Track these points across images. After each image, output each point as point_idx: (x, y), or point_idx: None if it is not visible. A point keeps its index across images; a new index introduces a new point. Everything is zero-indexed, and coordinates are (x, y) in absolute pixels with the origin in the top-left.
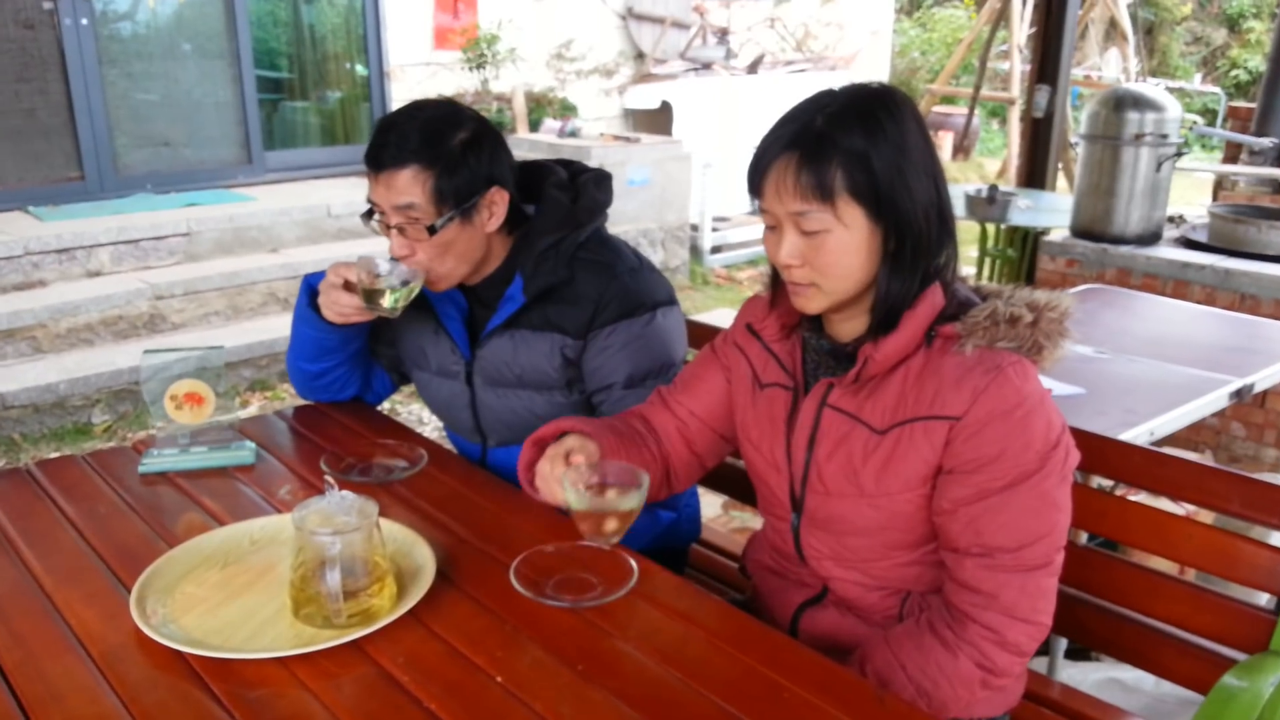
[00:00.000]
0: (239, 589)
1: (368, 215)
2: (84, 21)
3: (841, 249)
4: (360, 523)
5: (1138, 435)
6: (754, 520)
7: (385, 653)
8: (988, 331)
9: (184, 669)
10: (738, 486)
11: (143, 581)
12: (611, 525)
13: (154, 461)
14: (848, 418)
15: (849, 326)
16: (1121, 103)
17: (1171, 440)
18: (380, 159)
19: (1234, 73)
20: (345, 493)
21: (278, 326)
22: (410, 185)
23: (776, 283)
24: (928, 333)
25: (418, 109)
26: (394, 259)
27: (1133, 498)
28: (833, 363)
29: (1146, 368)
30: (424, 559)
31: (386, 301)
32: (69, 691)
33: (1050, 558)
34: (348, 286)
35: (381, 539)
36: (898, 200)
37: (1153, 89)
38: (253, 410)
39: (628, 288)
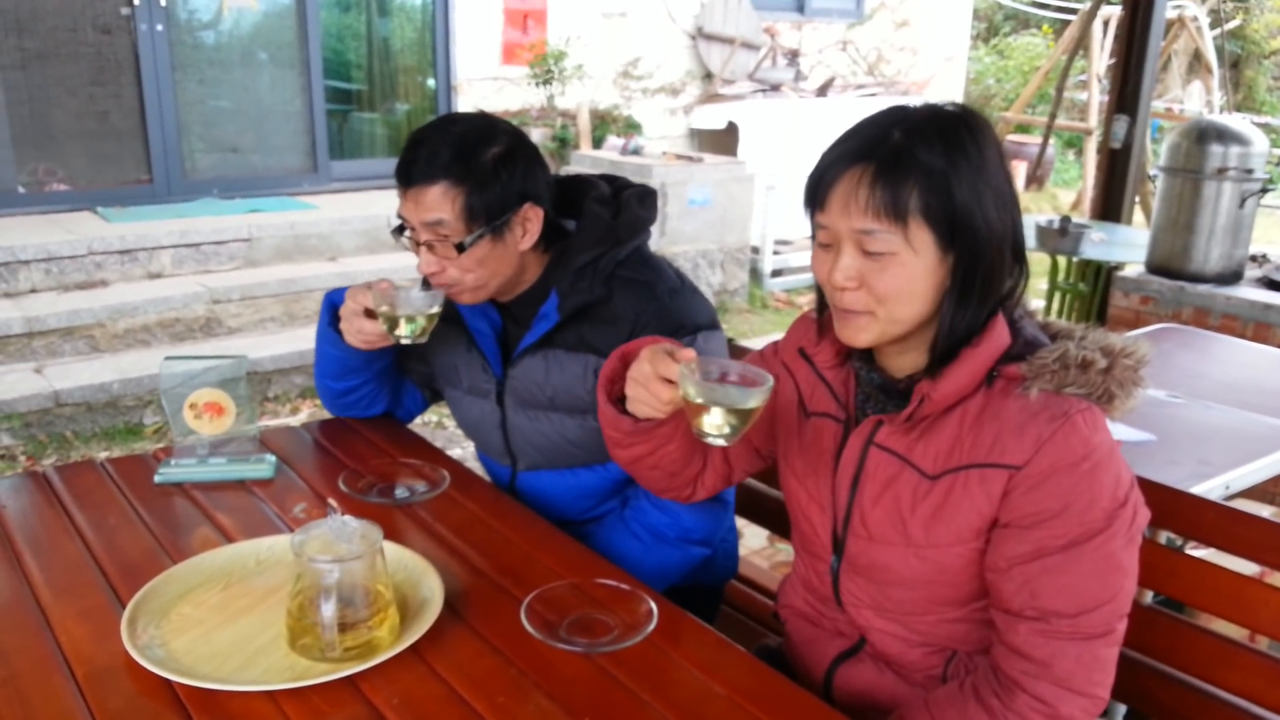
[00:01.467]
0: (237, 613)
1: (398, 231)
2: (159, 28)
3: (905, 275)
4: (362, 550)
5: (1212, 489)
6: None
7: (381, 691)
8: (1056, 375)
9: (169, 698)
10: (781, 520)
11: (137, 600)
12: (731, 421)
13: (171, 471)
14: (896, 459)
15: (903, 361)
16: (1204, 135)
17: (1245, 493)
18: (410, 174)
19: None
20: (348, 518)
21: None
22: (440, 202)
23: (824, 309)
24: (989, 372)
25: (450, 123)
26: (413, 284)
27: (1195, 553)
28: (883, 398)
29: (1223, 415)
30: (432, 590)
31: (403, 330)
32: (46, 716)
33: (1112, 626)
34: (369, 312)
35: (385, 567)
36: (973, 229)
37: (1238, 121)
38: (302, 418)
39: (668, 308)
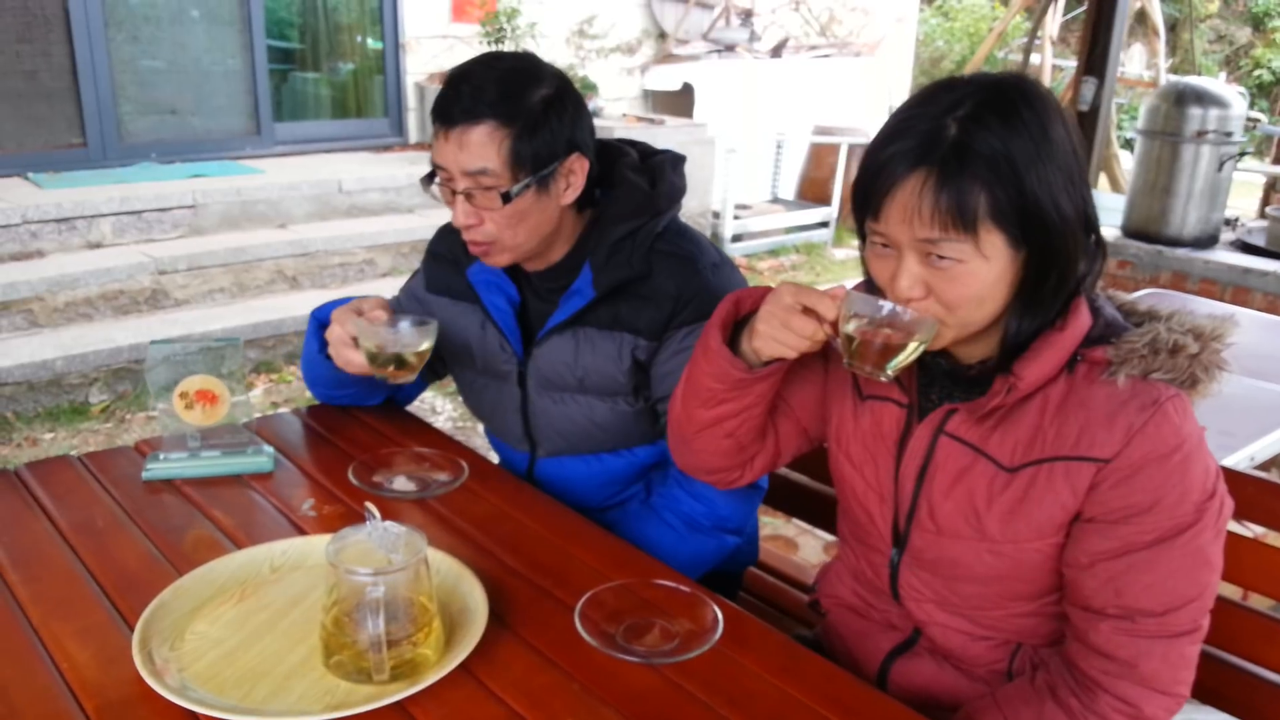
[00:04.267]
0: (259, 629)
1: (429, 179)
2: None
3: (976, 282)
4: (407, 561)
5: (1238, 461)
6: (785, 527)
7: (433, 715)
8: (1144, 360)
9: None
10: (774, 493)
11: (147, 618)
12: (896, 352)
13: (160, 467)
14: (969, 449)
15: (974, 348)
16: (1183, 97)
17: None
18: (450, 113)
19: (1257, 72)
20: (389, 524)
21: (285, 305)
22: (485, 145)
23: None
24: (1072, 356)
25: (495, 59)
26: (397, 318)
27: None
28: (950, 385)
29: (1230, 384)
30: (473, 596)
31: (390, 371)
32: None
33: (1198, 623)
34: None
35: (429, 577)
36: (1045, 222)
37: (1216, 84)
38: (257, 394)
39: (710, 285)
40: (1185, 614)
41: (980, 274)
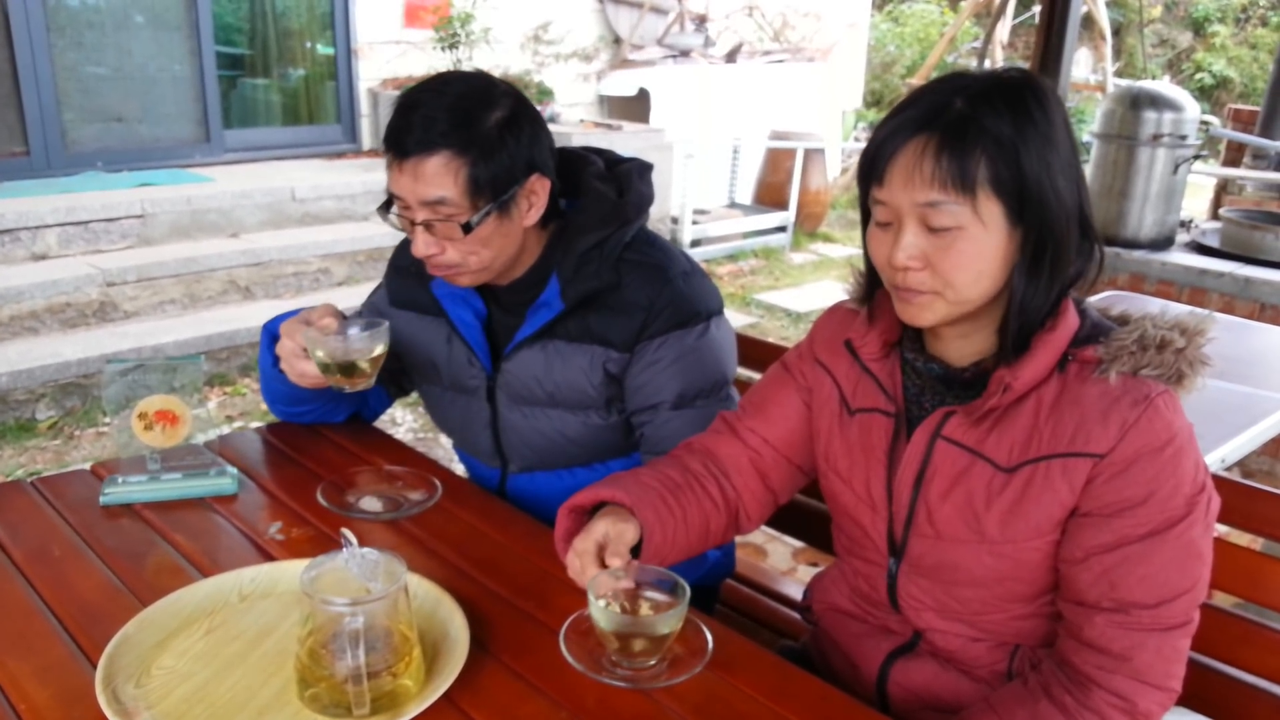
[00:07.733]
0: (230, 661)
1: (385, 207)
2: None
3: (975, 251)
4: (386, 589)
5: (1209, 463)
6: (754, 534)
7: None
8: (1133, 357)
9: None
10: None
11: (110, 654)
12: (639, 647)
13: (118, 491)
14: (966, 452)
15: (966, 346)
16: (1139, 101)
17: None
18: (404, 144)
19: (1198, 76)
20: (366, 550)
21: (238, 316)
22: (441, 176)
23: (872, 293)
24: (1063, 357)
25: (444, 84)
26: (353, 319)
27: None
28: (941, 389)
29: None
30: (453, 623)
31: (342, 379)
32: None
33: (1190, 616)
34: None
35: (409, 605)
36: (1044, 201)
37: (1170, 88)
38: (210, 408)
39: (682, 294)
40: (1178, 606)
41: (978, 242)
